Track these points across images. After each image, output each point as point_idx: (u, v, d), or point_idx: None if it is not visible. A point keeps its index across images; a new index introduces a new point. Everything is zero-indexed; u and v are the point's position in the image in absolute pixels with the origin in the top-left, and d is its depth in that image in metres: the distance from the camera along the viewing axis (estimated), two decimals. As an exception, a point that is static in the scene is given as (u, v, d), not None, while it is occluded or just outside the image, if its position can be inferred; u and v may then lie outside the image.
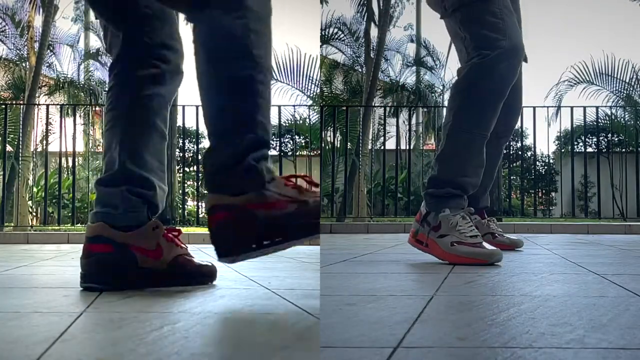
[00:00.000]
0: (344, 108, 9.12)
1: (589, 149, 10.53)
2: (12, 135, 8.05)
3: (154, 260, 1.64)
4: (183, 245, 1.73)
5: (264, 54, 1.62)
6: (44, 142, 7.96)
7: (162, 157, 1.76)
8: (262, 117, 1.63)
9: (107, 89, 1.85)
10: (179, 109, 6.73)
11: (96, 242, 1.64)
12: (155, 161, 1.74)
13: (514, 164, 8.26)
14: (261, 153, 1.56)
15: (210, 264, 1.76)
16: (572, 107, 7.31)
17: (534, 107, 6.91)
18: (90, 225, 1.66)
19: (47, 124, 7.59)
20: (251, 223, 1.49)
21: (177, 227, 1.80)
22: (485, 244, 2.28)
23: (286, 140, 10.15)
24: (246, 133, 1.55)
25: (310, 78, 9.28)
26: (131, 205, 1.65)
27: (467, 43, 2.41)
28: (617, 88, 10.11)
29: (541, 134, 18.50)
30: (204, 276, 1.73)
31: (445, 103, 12.23)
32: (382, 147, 9.23)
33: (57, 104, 8.92)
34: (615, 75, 10.04)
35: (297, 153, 9.93)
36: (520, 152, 8.33)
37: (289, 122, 9.67)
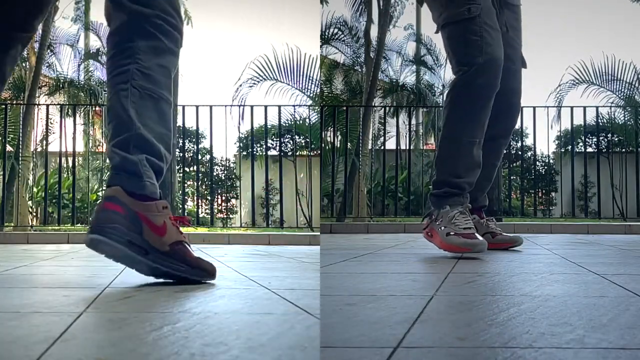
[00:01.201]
0: (344, 108, 9.11)
1: (589, 149, 10.53)
2: (12, 135, 8.05)
3: (156, 236, 1.68)
4: (184, 236, 1.75)
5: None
6: (44, 142, 7.96)
7: (169, 123, 1.81)
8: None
9: (107, 57, 1.88)
10: (179, 109, 6.74)
11: (111, 202, 1.67)
12: (164, 129, 1.78)
13: (514, 164, 8.26)
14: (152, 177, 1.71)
15: (210, 263, 1.78)
16: (572, 107, 7.30)
17: (534, 107, 6.91)
18: (109, 187, 1.70)
19: (47, 124, 7.59)
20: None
21: (184, 216, 1.84)
22: (477, 235, 2.54)
23: (286, 140, 10.15)
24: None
25: (310, 78, 9.27)
26: (148, 176, 1.70)
27: (450, 57, 2.74)
28: (617, 88, 10.11)
29: (541, 134, 18.46)
30: (202, 270, 1.75)
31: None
32: (382, 147, 9.22)
33: (57, 104, 8.92)
34: (616, 76, 10.04)
35: (297, 153, 9.93)
36: (520, 152, 8.33)
37: (289, 122, 9.67)
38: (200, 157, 8.77)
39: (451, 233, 2.54)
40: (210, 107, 6.66)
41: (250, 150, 9.02)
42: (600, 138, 11.07)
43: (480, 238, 2.54)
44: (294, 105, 9.33)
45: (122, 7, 1.79)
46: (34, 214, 9.72)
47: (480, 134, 2.70)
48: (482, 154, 2.75)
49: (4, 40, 1.91)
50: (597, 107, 8.36)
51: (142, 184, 1.68)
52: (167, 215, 1.71)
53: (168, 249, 1.69)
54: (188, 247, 1.74)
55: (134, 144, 1.70)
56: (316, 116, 8.99)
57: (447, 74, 12.51)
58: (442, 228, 2.58)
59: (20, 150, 7.58)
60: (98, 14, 11.87)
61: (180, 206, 7.56)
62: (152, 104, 1.75)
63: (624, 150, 10.49)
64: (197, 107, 6.66)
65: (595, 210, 7.81)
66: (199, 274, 1.73)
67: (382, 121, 9.72)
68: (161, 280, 1.79)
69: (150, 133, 1.73)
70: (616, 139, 10.96)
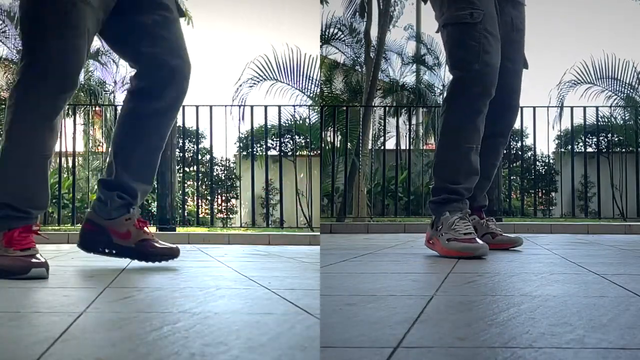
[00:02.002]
0: (344, 108, 9.11)
1: (589, 149, 10.52)
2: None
3: (123, 239, 2.39)
4: (149, 234, 2.41)
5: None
6: (44, 142, 7.95)
7: (155, 160, 2.45)
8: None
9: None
10: (179, 109, 6.72)
11: (88, 223, 2.45)
12: (147, 168, 2.44)
13: (514, 164, 8.25)
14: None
15: (173, 247, 2.41)
16: (572, 107, 7.30)
17: (534, 107, 6.91)
18: (88, 211, 2.47)
19: (47, 124, 7.57)
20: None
21: (144, 220, 2.47)
22: (477, 240, 2.55)
23: (286, 140, 10.14)
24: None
25: (310, 78, 9.27)
26: (116, 205, 2.39)
27: (447, 57, 2.75)
28: (617, 89, 10.11)
29: (541, 134, 18.46)
30: (164, 255, 2.40)
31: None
32: (382, 147, 9.22)
33: (57, 104, 8.90)
34: (616, 77, 10.03)
35: (297, 153, 9.92)
36: (520, 152, 8.33)
37: (289, 122, 9.66)
38: (200, 157, 8.76)
39: (451, 239, 2.54)
40: (210, 107, 6.66)
41: (250, 150, 9.02)
42: (600, 138, 11.07)
43: (481, 242, 2.55)
44: (294, 105, 9.33)
45: None
46: (34, 214, 9.70)
47: (477, 140, 2.70)
48: (481, 152, 2.76)
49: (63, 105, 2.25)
50: (597, 107, 8.35)
51: (107, 210, 2.40)
52: (130, 224, 2.39)
53: (134, 246, 2.37)
54: (153, 241, 2.40)
55: (113, 184, 2.40)
56: (316, 116, 8.99)
57: (447, 73, 12.52)
58: (443, 235, 2.57)
59: (20, 150, 7.57)
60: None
61: (180, 206, 7.56)
62: (139, 148, 2.40)
63: (624, 150, 10.48)
64: (197, 107, 6.65)
65: (595, 210, 7.81)
66: (159, 259, 2.38)
67: (382, 121, 9.72)
68: (162, 280, 1.80)
69: (129, 174, 2.39)
70: (616, 139, 10.95)
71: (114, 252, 2.41)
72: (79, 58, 2.15)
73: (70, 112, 8.51)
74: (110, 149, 2.45)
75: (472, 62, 2.62)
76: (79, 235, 2.45)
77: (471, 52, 2.62)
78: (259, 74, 9.26)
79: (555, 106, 9.13)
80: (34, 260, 2.02)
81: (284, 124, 8.67)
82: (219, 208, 10.57)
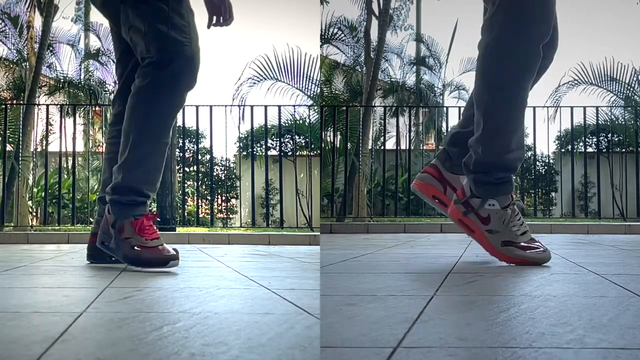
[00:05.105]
0: (344, 108, 9.11)
1: (589, 149, 10.52)
2: (12, 136, 8.05)
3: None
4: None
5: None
6: (44, 142, 7.95)
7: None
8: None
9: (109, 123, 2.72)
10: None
11: (93, 236, 2.55)
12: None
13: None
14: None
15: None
16: (572, 107, 7.31)
17: (534, 107, 6.91)
18: (93, 226, 2.67)
19: (47, 124, 7.58)
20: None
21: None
22: (539, 243, 2.21)
23: (286, 140, 10.14)
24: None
25: (310, 78, 9.27)
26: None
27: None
28: (617, 89, 10.11)
29: (541, 134, 18.43)
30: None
31: (446, 103, 12.24)
32: (382, 147, 9.22)
33: (57, 104, 8.91)
34: (616, 77, 10.03)
35: (297, 153, 9.92)
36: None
37: (289, 122, 9.66)
38: (200, 157, 8.76)
39: (509, 243, 2.18)
40: (210, 107, 6.66)
41: (250, 150, 9.02)
42: (600, 138, 11.06)
43: (543, 245, 2.23)
44: (294, 105, 9.33)
45: None
46: (34, 214, 9.72)
47: (527, 94, 2.32)
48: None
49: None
50: (597, 107, 8.35)
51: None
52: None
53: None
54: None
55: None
56: (316, 116, 8.99)
57: (447, 74, 12.52)
58: (493, 232, 2.20)
59: (20, 150, 7.58)
60: (98, 15, 11.85)
61: (180, 206, 7.56)
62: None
63: (624, 150, 10.48)
64: (197, 107, 6.65)
65: (595, 210, 7.81)
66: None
67: (382, 121, 9.72)
68: (162, 280, 1.80)
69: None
70: (616, 139, 10.95)
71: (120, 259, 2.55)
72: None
73: (70, 112, 8.52)
74: (103, 165, 2.67)
75: (536, 21, 2.18)
76: (86, 249, 2.64)
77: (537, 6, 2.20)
78: (259, 74, 9.26)
79: (556, 106, 9.12)
80: (171, 252, 2.24)
81: (284, 124, 8.67)
82: (219, 208, 10.57)
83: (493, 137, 2.22)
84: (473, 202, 2.23)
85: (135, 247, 2.26)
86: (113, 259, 2.58)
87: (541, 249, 2.18)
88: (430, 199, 2.46)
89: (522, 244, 2.17)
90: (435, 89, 12.44)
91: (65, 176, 8.70)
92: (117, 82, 2.73)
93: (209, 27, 2.46)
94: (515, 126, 2.24)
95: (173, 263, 2.22)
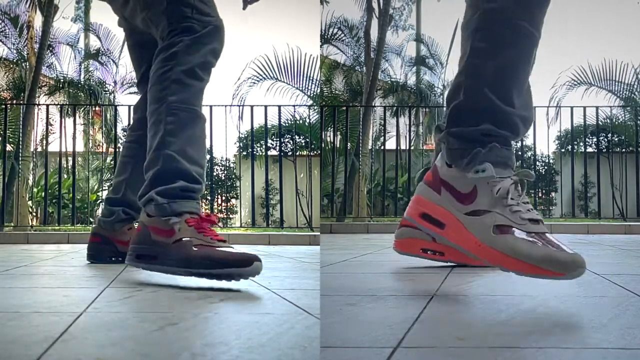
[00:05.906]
0: (344, 108, 9.11)
1: (589, 149, 10.52)
2: (12, 136, 8.05)
3: (125, 246, 2.43)
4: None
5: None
6: (44, 142, 7.95)
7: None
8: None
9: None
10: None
11: (94, 236, 2.67)
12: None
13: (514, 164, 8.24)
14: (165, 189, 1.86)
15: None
16: (572, 107, 7.30)
17: (534, 107, 6.91)
18: (94, 226, 2.70)
19: (47, 124, 7.58)
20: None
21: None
22: (555, 240, 1.32)
23: (286, 140, 10.14)
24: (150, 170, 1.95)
25: (311, 78, 9.27)
26: (120, 219, 2.62)
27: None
28: (617, 89, 10.11)
29: (541, 134, 18.42)
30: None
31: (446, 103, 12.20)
32: (382, 147, 9.22)
33: (57, 104, 8.91)
34: (616, 77, 10.04)
35: (297, 153, 9.92)
36: (520, 152, 8.32)
37: (289, 122, 9.66)
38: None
39: (503, 225, 1.35)
40: (210, 107, 6.66)
41: (250, 150, 9.01)
42: (600, 138, 11.06)
43: (563, 245, 1.31)
44: (294, 105, 9.33)
45: None
46: (34, 214, 9.72)
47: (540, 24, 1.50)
48: None
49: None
50: (597, 107, 8.35)
51: (110, 223, 2.62)
52: (131, 234, 2.54)
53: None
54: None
55: (119, 201, 2.60)
56: (316, 116, 9.00)
57: (447, 74, 12.52)
58: (481, 213, 1.38)
59: (20, 150, 7.58)
60: (98, 15, 11.87)
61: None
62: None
63: (624, 150, 10.48)
64: (197, 107, 6.65)
65: (595, 210, 7.81)
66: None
67: (382, 121, 9.73)
68: (162, 280, 1.80)
69: (133, 192, 2.33)
70: (616, 139, 10.95)
71: (120, 259, 2.56)
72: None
73: (70, 112, 8.52)
74: (117, 166, 2.65)
75: None
76: (87, 249, 2.67)
77: None
78: (259, 74, 9.26)
79: (555, 106, 9.12)
80: (254, 252, 1.70)
81: (284, 124, 8.67)
82: (219, 208, 10.57)
83: (483, 65, 1.48)
84: (448, 174, 1.46)
85: (197, 247, 1.71)
86: (114, 259, 2.60)
87: (569, 252, 1.28)
88: (419, 254, 2.14)
89: (530, 234, 1.33)
90: (436, 89, 12.43)
91: (65, 176, 8.70)
92: (137, 92, 2.57)
93: (244, 7, 2.27)
94: (520, 61, 1.51)
95: (257, 265, 1.61)
